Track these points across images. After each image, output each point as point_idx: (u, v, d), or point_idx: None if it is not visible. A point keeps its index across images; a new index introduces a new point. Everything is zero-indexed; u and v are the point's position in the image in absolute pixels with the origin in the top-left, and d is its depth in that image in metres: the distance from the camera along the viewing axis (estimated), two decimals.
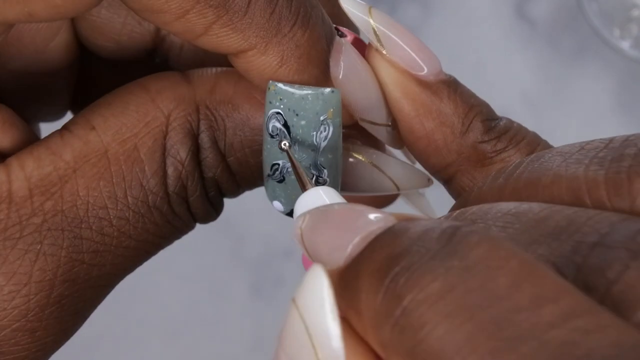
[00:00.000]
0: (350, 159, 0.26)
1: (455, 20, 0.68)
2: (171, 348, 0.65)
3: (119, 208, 0.24)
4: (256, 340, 0.64)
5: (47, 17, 0.21)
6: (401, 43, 0.24)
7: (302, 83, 0.24)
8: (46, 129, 0.28)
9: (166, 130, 0.24)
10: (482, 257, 0.15)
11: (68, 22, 0.27)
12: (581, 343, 0.14)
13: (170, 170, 0.24)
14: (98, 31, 0.27)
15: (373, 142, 0.27)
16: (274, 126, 0.24)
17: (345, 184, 0.26)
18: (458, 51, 0.68)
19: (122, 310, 0.64)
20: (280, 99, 0.24)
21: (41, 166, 0.23)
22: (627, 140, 0.19)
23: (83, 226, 0.23)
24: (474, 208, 0.19)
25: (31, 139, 0.25)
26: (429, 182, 0.26)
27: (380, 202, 0.29)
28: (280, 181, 0.25)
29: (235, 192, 0.26)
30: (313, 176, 0.25)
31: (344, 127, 0.25)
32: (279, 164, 0.25)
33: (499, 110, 0.25)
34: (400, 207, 0.28)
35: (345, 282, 0.17)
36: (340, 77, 0.24)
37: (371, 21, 0.24)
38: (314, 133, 0.24)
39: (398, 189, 0.26)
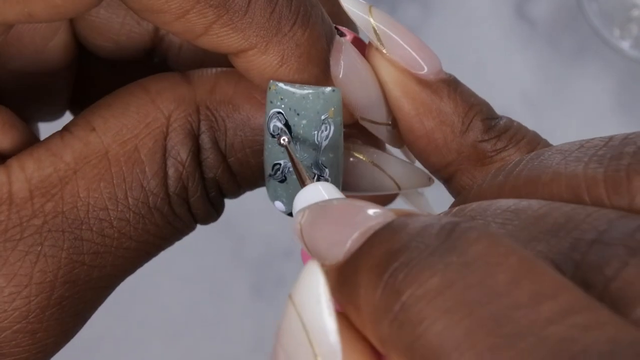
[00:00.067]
0: (351, 159, 0.26)
1: (455, 20, 0.69)
2: (172, 349, 0.65)
3: (119, 209, 0.24)
4: (257, 341, 0.64)
5: (47, 18, 0.21)
6: (401, 42, 0.24)
7: (303, 82, 0.24)
8: (45, 129, 0.28)
9: (167, 131, 0.24)
10: (481, 254, 0.16)
11: (67, 22, 0.27)
12: (579, 339, 0.14)
13: (170, 171, 0.24)
14: (97, 31, 0.27)
15: (374, 142, 0.27)
16: (275, 126, 0.24)
17: (346, 184, 0.26)
18: (458, 51, 0.68)
19: (123, 312, 0.64)
20: (281, 99, 0.24)
21: (41, 167, 0.23)
22: (626, 139, 0.19)
23: (83, 227, 0.23)
24: (473, 205, 0.19)
25: (31, 140, 0.25)
26: (429, 181, 0.26)
27: (380, 201, 0.29)
28: (282, 181, 0.25)
29: (236, 193, 0.26)
30: (314, 175, 0.25)
31: (344, 126, 0.25)
32: (280, 164, 0.25)
33: (499, 110, 0.25)
34: (399, 206, 0.28)
35: (344, 278, 0.17)
36: (341, 76, 0.24)
37: (371, 20, 0.24)
38: (315, 132, 0.24)
39: (399, 188, 0.26)
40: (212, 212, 0.26)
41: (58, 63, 0.27)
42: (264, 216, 0.63)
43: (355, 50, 0.24)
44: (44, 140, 0.24)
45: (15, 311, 0.23)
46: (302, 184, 0.22)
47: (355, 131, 0.26)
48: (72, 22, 0.27)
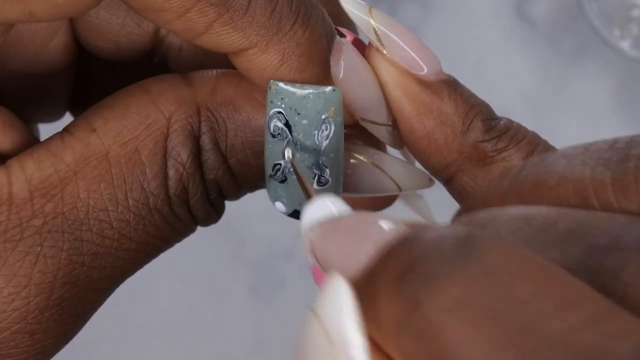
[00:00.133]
0: (352, 160, 0.26)
1: (455, 20, 0.69)
2: (172, 350, 0.65)
3: (119, 210, 0.24)
4: (257, 342, 0.64)
5: (47, 17, 0.21)
6: (401, 43, 0.24)
7: (303, 81, 0.24)
8: (45, 129, 0.28)
9: (167, 132, 0.24)
10: (500, 263, 0.15)
11: (67, 23, 0.27)
12: (607, 348, 0.14)
13: (171, 173, 0.24)
14: (97, 32, 0.27)
15: (374, 142, 0.27)
16: (275, 125, 0.24)
17: (347, 185, 0.26)
18: (458, 51, 0.68)
19: (123, 313, 0.64)
20: (282, 98, 0.24)
21: (42, 168, 0.23)
22: (631, 141, 0.19)
23: (83, 228, 0.23)
24: (482, 213, 0.19)
25: (31, 141, 0.25)
26: (430, 182, 0.26)
27: (380, 203, 0.29)
28: (282, 181, 0.25)
29: (236, 194, 0.26)
30: (315, 175, 0.24)
31: (344, 126, 0.25)
32: (280, 164, 0.25)
33: (499, 110, 0.25)
34: (398, 209, 0.28)
35: (362, 293, 0.17)
36: (341, 76, 0.24)
37: (371, 21, 0.24)
38: (316, 132, 0.24)
39: (400, 189, 0.26)
40: (213, 213, 0.26)
41: (58, 64, 0.27)
42: (264, 217, 0.63)
43: (356, 50, 0.24)
44: (44, 141, 0.24)
45: (14, 312, 0.23)
46: (308, 197, 0.22)
47: (355, 132, 0.26)
48: (72, 23, 0.27)
